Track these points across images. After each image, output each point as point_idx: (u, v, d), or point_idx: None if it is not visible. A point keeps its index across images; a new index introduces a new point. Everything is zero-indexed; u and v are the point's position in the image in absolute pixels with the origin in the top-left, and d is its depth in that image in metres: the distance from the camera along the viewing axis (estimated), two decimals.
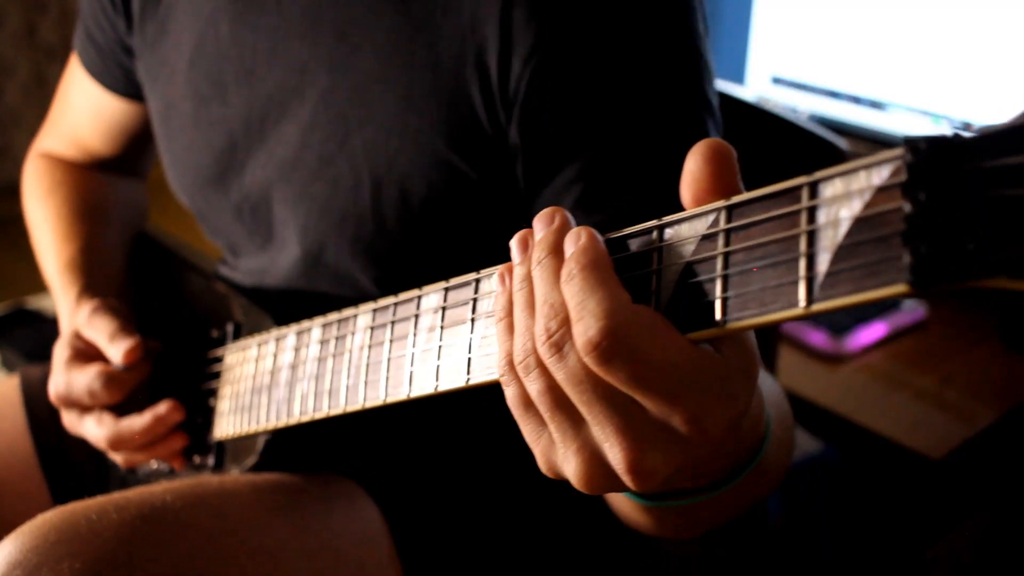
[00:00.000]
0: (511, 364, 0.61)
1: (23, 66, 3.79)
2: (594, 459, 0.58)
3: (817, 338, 1.70)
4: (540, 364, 0.58)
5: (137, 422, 1.09)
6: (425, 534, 1.09)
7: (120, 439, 1.10)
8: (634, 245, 0.59)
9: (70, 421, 1.14)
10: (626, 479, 0.57)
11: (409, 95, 0.98)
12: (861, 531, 1.73)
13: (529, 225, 0.62)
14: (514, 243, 0.63)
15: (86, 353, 1.13)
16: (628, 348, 0.53)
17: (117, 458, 1.13)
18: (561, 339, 0.56)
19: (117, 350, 1.10)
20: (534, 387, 0.59)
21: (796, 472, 1.71)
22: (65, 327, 1.20)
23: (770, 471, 0.77)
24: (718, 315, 0.53)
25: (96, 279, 1.25)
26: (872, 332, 1.72)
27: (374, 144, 1.01)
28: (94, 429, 1.11)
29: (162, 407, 1.09)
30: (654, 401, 0.54)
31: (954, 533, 1.66)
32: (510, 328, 0.62)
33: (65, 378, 1.11)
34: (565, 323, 0.56)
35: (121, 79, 1.27)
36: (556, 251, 0.59)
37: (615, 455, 0.56)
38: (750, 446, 0.67)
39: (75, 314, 1.17)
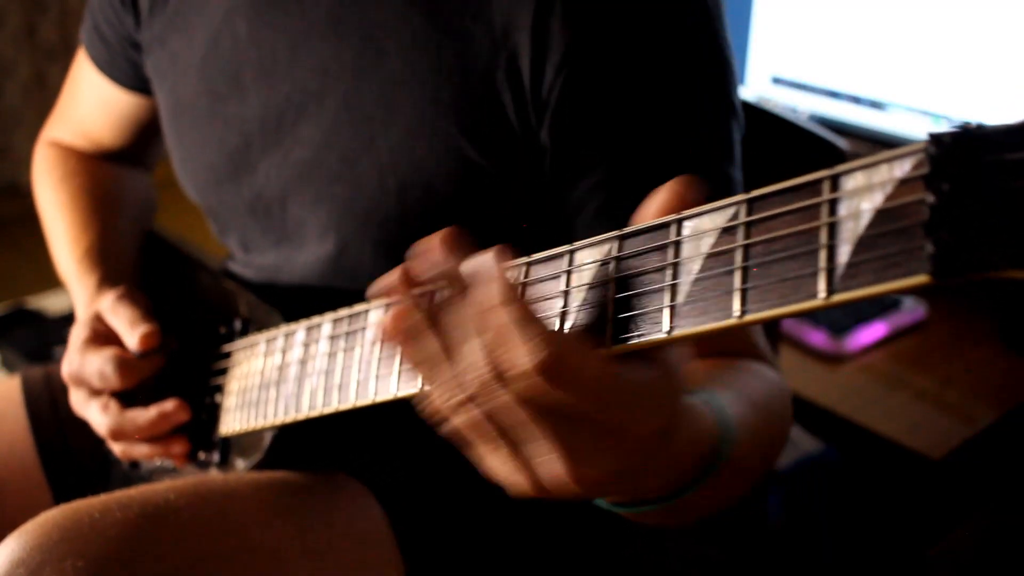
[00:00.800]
0: (441, 405, 0.63)
1: (23, 66, 3.79)
2: (538, 474, 0.62)
3: (817, 338, 1.70)
4: (475, 398, 0.61)
5: (141, 416, 1.09)
6: (428, 534, 1.09)
7: (121, 430, 1.10)
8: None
9: (77, 401, 1.14)
10: (569, 489, 0.61)
11: (437, 98, 0.99)
12: (861, 531, 1.74)
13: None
14: (397, 281, 0.66)
15: (104, 336, 1.13)
16: (557, 374, 0.56)
17: (116, 448, 1.13)
18: (492, 372, 0.59)
19: (134, 336, 1.10)
20: (470, 420, 0.62)
21: (796, 472, 1.72)
22: (82, 312, 1.20)
23: (741, 474, 0.83)
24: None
25: (114, 269, 1.25)
26: (872, 332, 1.72)
27: (400, 147, 1.02)
28: (98, 415, 1.11)
29: (169, 404, 1.09)
30: (584, 416, 0.58)
31: (954, 533, 1.66)
32: (430, 369, 0.64)
33: (80, 357, 1.11)
34: (493, 356, 0.58)
35: (130, 73, 1.27)
36: (462, 284, 0.62)
37: (557, 469, 0.61)
38: (694, 461, 0.71)
39: (97, 298, 1.18)
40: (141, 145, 1.40)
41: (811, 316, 1.72)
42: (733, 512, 1.56)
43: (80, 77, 1.36)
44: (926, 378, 1.64)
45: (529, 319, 0.57)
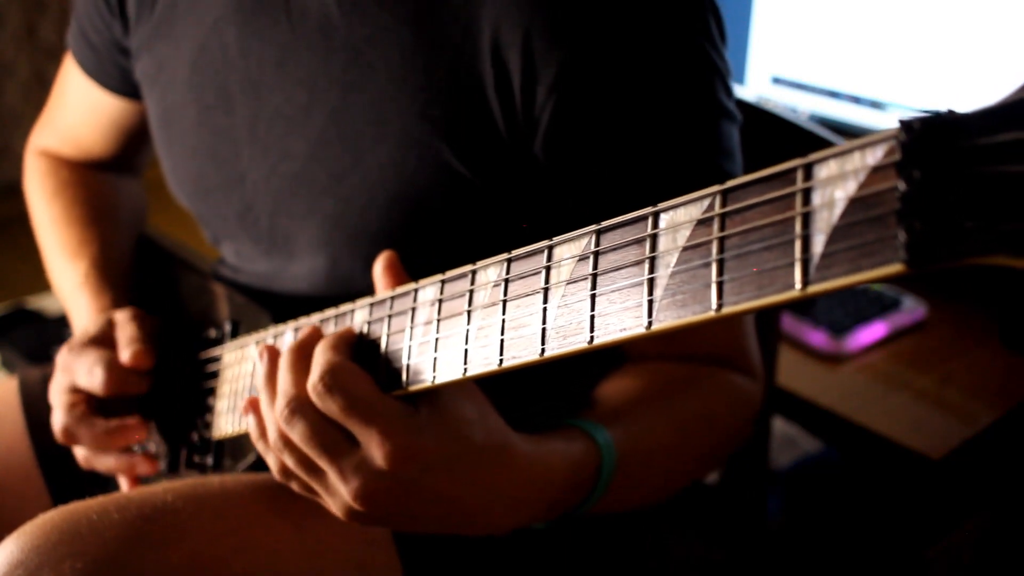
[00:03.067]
0: (281, 472, 0.85)
1: (23, 66, 3.80)
2: (336, 499, 0.80)
3: (817, 338, 1.70)
4: (286, 440, 0.80)
5: (99, 424, 1.11)
6: (426, 534, 1.09)
7: (74, 433, 1.11)
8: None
9: (56, 388, 1.14)
10: (356, 505, 0.78)
11: (426, 113, 1.00)
12: (861, 531, 1.73)
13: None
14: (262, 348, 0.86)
15: (108, 342, 1.14)
16: (340, 384, 0.76)
17: (77, 454, 1.14)
18: (294, 404, 0.78)
19: (128, 350, 1.11)
20: (290, 460, 0.81)
21: (796, 472, 1.71)
22: (82, 324, 1.20)
23: (649, 482, 0.99)
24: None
25: (120, 288, 1.26)
26: (872, 332, 1.71)
27: (389, 162, 1.02)
28: (60, 411, 1.12)
29: (128, 419, 1.12)
30: (358, 426, 0.76)
31: (954, 533, 1.65)
32: (260, 418, 0.86)
33: (79, 349, 1.12)
34: (297, 389, 0.79)
35: (118, 78, 1.27)
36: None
37: (343, 491, 0.78)
38: (564, 488, 0.87)
39: (110, 312, 1.18)
40: (130, 151, 1.39)
41: (811, 316, 1.71)
42: (733, 512, 1.56)
43: (68, 82, 1.35)
44: (926, 378, 1.64)
45: (322, 353, 0.79)
